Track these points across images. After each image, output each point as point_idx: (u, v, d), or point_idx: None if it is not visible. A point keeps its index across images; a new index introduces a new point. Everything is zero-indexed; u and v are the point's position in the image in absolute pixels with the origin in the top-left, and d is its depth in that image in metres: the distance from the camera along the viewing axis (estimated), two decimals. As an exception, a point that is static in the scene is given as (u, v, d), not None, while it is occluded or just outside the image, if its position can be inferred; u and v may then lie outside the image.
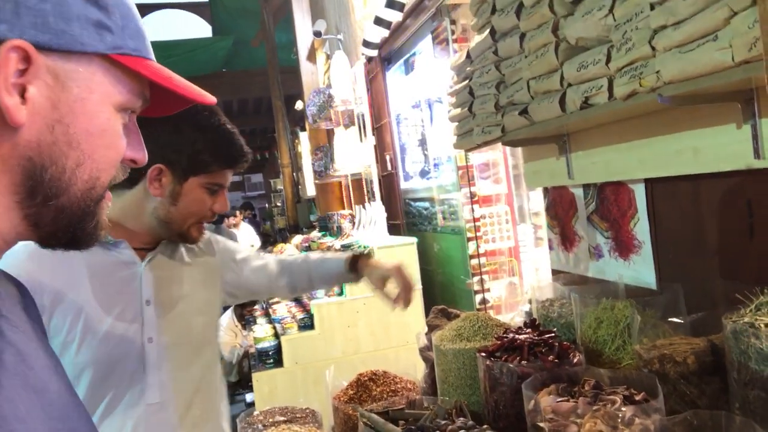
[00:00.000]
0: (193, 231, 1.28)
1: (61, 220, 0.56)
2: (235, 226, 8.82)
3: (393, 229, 4.02)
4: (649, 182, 1.47)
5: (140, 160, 0.63)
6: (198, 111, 1.22)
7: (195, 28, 11.70)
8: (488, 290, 2.90)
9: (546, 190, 1.94)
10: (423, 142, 3.62)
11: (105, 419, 1.18)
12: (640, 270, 1.54)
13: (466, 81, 1.79)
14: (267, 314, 4.51)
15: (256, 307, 5.60)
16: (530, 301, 1.68)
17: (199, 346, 1.32)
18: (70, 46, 0.53)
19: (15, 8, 0.50)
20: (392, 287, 1.53)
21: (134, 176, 1.22)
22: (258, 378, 3.29)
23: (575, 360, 1.20)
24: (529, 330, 1.30)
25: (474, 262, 2.92)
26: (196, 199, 1.25)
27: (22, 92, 0.51)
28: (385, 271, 1.52)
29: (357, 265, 1.56)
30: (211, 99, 0.70)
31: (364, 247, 1.65)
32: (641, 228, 1.52)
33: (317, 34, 5.15)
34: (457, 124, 1.93)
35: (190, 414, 1.27)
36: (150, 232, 1.27)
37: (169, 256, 1.32)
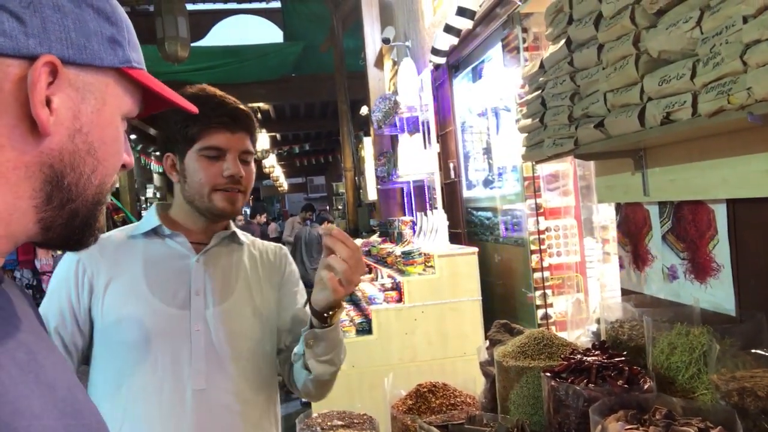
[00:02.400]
0: (215, 201, 1.30)
1: (73, 223, 0.58)
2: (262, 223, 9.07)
3: (454, 238, 3.99)
4: (731, 203, 1.40)
5: (129, 164, 0.66)
6: (183, 93, 1.28)
7: (267, 33, 12.04)
8: (551, 305, 2.83)
9: (618, 206, 1.88)
10: (488, 151, 3.58)
11: (157, 401, 1.24)
12: (718, 295, 1.46)
13: (539, 91, 1.76)
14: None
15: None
16: (598, 321, 1.62)
17: (249, 345, 1.34)
18: (91, 60, 0.57)
19: (42, 24, 0.53)
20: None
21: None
22: (315, 379, 3.33)
23: (646, 386, 1.15)
24: (597, 352, 1.26)
25: (537, 275, 2.86)
26: (199, 169, 1.29)
27: (48, 103, 0.54)
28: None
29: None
30: (193, 108, 0.73)
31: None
32: (721, 251, 1.44)
33: (386, 41, 5.19)
34: (526, 135, 1.90)
35: (237, 406, 1.29)
36: (195, 222, 1.35)
37: (225, 255, 1.37)
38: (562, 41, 1.58)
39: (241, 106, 1.34)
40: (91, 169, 0.58)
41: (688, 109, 1.13)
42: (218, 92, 1.33)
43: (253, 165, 1.37)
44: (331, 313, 1.24)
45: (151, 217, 1.35)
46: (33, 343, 0.54)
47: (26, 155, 0.53)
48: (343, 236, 1.18)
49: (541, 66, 1.74)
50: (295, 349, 1.35)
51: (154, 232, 1.33)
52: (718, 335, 1.22)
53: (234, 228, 1.43)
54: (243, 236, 1.44)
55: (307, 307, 1.28)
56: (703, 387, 1.19)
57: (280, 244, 1.52)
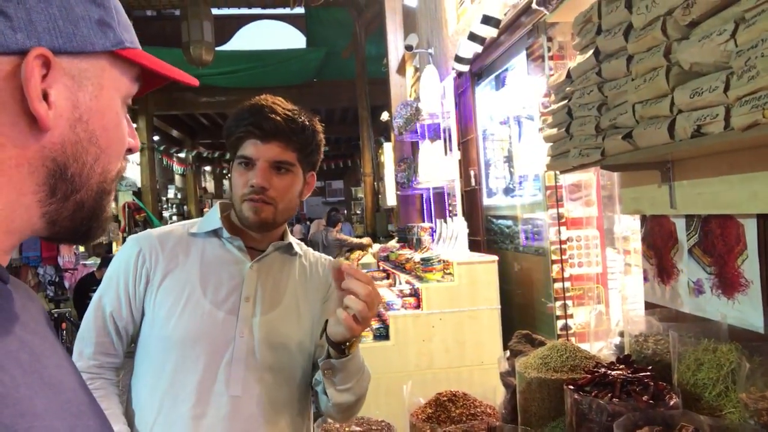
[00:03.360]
0: (244, 210, 1.30)
1: (79, 214, 0.57)
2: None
3: (473, 246, 3.97)
4: (762, 218, 1.37)
5: (135, 148, 0.64)
6: (245, 104, 1.32)
7: (290, 38, 12.15)
8: (571, 316, 2.80)
9: (643, 218, 1.85)
10: (509, 159, 3.56)
11: (192, 401, 1.24)
12: (745, 311, 1.43)
13: (565, 101, 1.75)
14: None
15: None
16: (621, 334, 1.60)
17: (288, 357, 1.33)
18: (82, 47, 0.55)
19: (27, 16, 0.51)
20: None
21: None
22: (331, 384, 3.32)
23: (671, 402, 1.14)
24: (622, 366, 1.24)
25: (557, 285, 2.83)
26: (234, 177, 1.32)
27: (45, 96, 0.52)
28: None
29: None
30: (193, 81, 0.69)
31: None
32: (750, 266, 1.41)
33: (409, 47, 5.20)
34: (551, 144, 1.89)
35: (269, 416, 1.29)
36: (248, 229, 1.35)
37: (278, 264, 1.37)
38: (590, 51, 1.57)
39: (282, 116, 1.29)
40: (94, 157, 0.57)
41: (720, 122, 1.12)
42: (272, 102, 1.31)
43: (292, 176, 1.32)
44: (348, 344, 1.20)
45: (213, 218, 1.36)
46: (37, 344, 0.53)
47: (28, 151, 0.53)
48: (354, 271, 1.13)
49: (568, 76, 1.73)
50: (316, 375, 1.34)
51: (214, 232, 1.35)
52: (746, 353, 1.20)
53: (290, 238, 1.42)
54: (297, 247, 1.44)
55: (324, 338, 1.22)
56: (730, 405, 1.16)
57: (331, 258, 1.49)
